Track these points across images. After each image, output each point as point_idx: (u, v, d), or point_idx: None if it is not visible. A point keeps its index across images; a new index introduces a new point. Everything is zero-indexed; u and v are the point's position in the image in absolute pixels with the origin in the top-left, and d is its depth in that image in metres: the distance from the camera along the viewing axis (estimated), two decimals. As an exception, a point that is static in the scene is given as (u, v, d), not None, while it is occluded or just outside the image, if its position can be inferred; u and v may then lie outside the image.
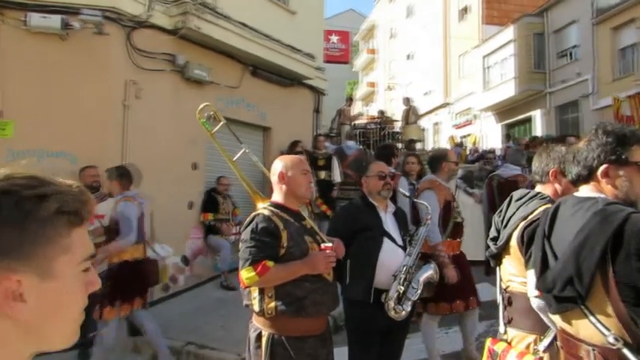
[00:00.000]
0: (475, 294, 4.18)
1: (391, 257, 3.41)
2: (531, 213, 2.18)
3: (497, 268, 2.43)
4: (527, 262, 2.06)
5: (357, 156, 9.82)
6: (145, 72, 6.26)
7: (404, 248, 3.49)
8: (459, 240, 4.28)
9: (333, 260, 2.70)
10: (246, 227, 2.69)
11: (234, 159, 3.46)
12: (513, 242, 2.25)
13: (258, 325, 2.67)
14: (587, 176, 1.75)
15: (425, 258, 3.75)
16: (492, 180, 5.56)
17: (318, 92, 9.42)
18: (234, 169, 3.40)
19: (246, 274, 2.54)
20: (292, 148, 8.23)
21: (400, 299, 3.29)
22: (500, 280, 2.41)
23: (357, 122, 14.82)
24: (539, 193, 2.30)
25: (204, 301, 6.33)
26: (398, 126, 15.17)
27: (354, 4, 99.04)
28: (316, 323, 2.67)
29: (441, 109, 27.16)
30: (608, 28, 16.65)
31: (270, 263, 2.52)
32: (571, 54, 18.98)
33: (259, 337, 2.65)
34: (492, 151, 12.50)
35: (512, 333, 2.27)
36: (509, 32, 20.71)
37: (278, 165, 2.85)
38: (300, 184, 2.82)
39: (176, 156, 6.63)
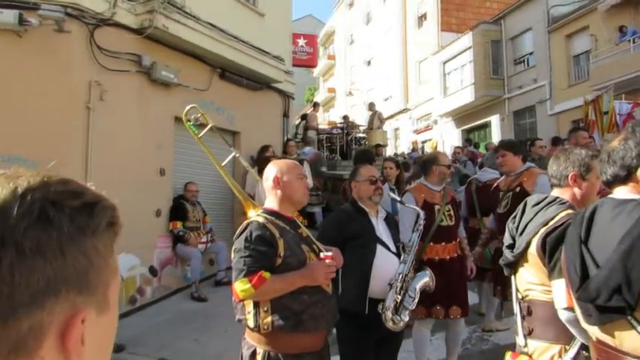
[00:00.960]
0: (461, 303, 4.03)
1: (385, 265, 3.27)
2: (552, 219, 2.08)
3: (512, 277, 2.32)
4: (551, 270, 1.96)
5: (313, 158, 9.74)
6: (110, 73, 5.92)
7: (397, 255, 3.36)
8: (445, 244, 4.14)
9: (333, 270, 2.54)
10: (238, 236, 2.49)
11: (223, 164, 3.22)
12: (532, 249, 2.14)
13: (252, 341, 2.48)
14: (625, 177, 1.65)
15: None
16: (471, 184, 5.54)
17: (286, 96, 9.24)
18: (224, 176, 3.19)
19: (240, 286, 2.34)
20: (262, 153, 8.02)
21: (397, 309, 3.16)
22: (517, 290, 2.30)
23: (321, 127, 14.75)
24: (557, 197, 2.21)
25: (174, 313, 6.02)
26: (362, 131, 15.21)
27: (313, 10, 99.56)
28: (315, 339, 2.50)
29: (401, 114, 27.48)
30: (562, 35, 17.26)
31: (266, 274, 2.34)
32: (527, 61, 19.57)
33: (254, 354, 2.46)
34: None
35: (533, 345, 2.15)
36: (466, 39, 21.17)
37: (272, 169, 2.67)
38: (296, 190, 2.66)
39: (142, 161, 6.31)
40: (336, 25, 36.85)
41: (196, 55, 7.15)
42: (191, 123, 3.31)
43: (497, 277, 4.46)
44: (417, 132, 26.04)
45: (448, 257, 4.05)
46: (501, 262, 2.36)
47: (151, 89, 6.51)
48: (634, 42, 14.24)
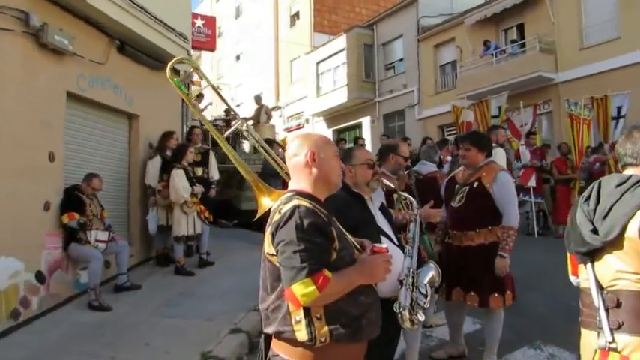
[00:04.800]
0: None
1: (393, 259, 2.95)
2: None
3: (590, 265, 2.13)
4: None
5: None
6: (-12, 30, 4.69)
7: (401, 248, 3.06)
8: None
9: (390, 265, 2.16)
10: (283, 225, 1.93)
11: (225, 135, 2.60)
12: (630, 233, 1.98)
13: (291, 359, 1.95)
14: None
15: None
16: (410, 177, 5.44)
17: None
18: (228, 152, 2.57)
19: (302, 288, 1.80)
20: (165, 141, 7.13)
21: (413, 307, 2.85)
22: (596, 280, 2.11)
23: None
24: None
25: (71, 327, 4.96)
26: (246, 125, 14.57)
27: None
28: (363, 349, 2.08)
29: (272, 112, 27.25)
30: (431, 45, 18.57)
31: (329, 273, 1.86)
32: (397, 67, 20.72)
33: (297, 378, 1.94)
34: None
35: (623, 340, 1.97)
36: (341, 41, 21.73)
37: (304, 143, 2.16)
38: (334, 169, 2.21)
39: (26, 143, 5.13)
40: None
41: (93, 22, 6.05)
42: (179, 80, 2.60)
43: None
44: (288, 130, 26.07)
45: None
46: (580, 248, 2.17)
47: (40, 56, 5.32)
48: (496, 56, 15.85)
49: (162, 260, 7.10)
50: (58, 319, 5.19)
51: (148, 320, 5.07)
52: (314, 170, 2.11)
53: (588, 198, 2.19)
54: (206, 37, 11.19)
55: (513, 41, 16.27)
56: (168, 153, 7.03)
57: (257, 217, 2.49)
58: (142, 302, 5.60)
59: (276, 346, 1.99)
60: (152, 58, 7.18)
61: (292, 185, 2.17)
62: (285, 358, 1.94)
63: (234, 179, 10.63)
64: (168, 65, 2.55)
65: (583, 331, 2.19)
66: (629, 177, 2.09)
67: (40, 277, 5.22)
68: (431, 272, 3.06)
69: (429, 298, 2.90)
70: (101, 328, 4.92)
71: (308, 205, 1.97)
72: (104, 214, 5.93)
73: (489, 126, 9.11)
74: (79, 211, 5.54)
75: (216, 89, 2.75)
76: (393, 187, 3.43)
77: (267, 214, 2.20)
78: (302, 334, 1.88)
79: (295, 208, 1.94)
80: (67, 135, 5.75)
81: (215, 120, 14.26)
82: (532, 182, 9.31)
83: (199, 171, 7.37)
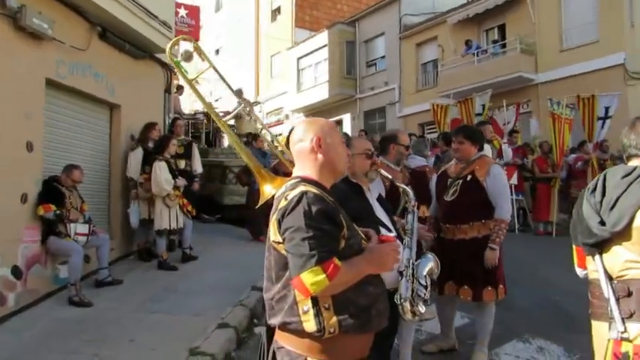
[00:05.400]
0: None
1: (397, 249, 2.89)
2: None
3: (599, 256, 2.11)
4: None
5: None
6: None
7: (399, 239, 2.99)
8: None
9: (399, 255, 2.09)
10: (290, 211, 1.83)
11: (226, 119, 2.49)
12: (638, 224, 1.95)
13: (299, 350, 1.85)
14: None
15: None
16: (401, 171, 5.40)
17: (170, 70, 8.16)
18: (230, 136, 2.45)
19: (312, 277, 1.71)
20: (147, 132, 6.94)
21: (413, 299, 2.79)
22: (605, 270, 2.09)
23: (183, 113, 13.62)
24: None
25: (51, 324, 4.76)
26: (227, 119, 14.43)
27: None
28: (370, 341, 2.01)
29: (253, 107, 27.06)
30: (413, 43, 18.63)
31: (338, 262, 1.78)
32: (378, 64, 20.74)
33: (304, 369, 1.86)
34: None
35: (636, 328, 1.95)
36: (322, 37, 21.66)
37: (310, 128, 2.08)
38: (340, 156, 2.12)
39: (2, 131, 4.90)
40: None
41: (74, 6, 5.83)
42: (179, 60, 2.47)
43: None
44: (268, 126, 25.88)
45: None
46: (588, 240, 2.14)
47: (17, 39, 5.08)
48: (477, 55, 15.98)
49: (144, 255, 6.92)
50: (36, 315, 4.97)
51: (132, 316, 4.90)
52: (319, 156, 2.03)
53: (594, 190, 2.16)
54: (189, 27, 10.97)
55: (495, 41, 16.43)
56: (151, 144, 6.85)
57: (259, 204, 2.40)
58: (125, 298, 5.43)
59: (281, 338, 1.90)
60: (135, 47, 6.97)
61: (297, 171, 2.08)
62: (290, 350, 1.86)
63: (217, 173, 10.47)
64: (169, 44, 2.41)
65: (594, 323, 2.16)
66: (635, 168, 2.07)
67: (16, 272, 5.00)
68: (430, 263, 3.00)
69: (429, 289, 2.86)
70: (83, 324, 4.73)
71: (316, 191, 1.89)
72: (84, 207, 5.72)
73: (477, 122, 9.16)
74: (58, 203, 5.33)
75: (217, 70, 2.63)
76: (390, 177, 3.38)
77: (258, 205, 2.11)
78: (310, 324, 1.80)
79: (303, 194, 1.85)
80: (46, 124, 5.52)
81: (195, 114, 14.04)
82: (514, 180, 9.42)
83: (182, 163, 7.20)
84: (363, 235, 2.11)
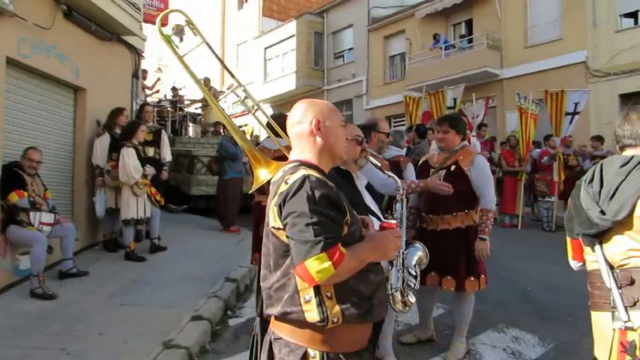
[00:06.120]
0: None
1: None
2: None
3: (599, 246, 2.10)
4: None
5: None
6: None
7: (388, 228, 2.94)
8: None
9: (400, 242, 2.03)
10: (289, 196, 1.73)
11: (221, 99, 2.33)
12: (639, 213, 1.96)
13: (300, 342, 1.77)
14: None
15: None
16: (378, 161, 5.35)
17: (137, 54, 7.84)
18: (223, 118, 2.32)
19: (317, 264, 1.61)
20: (115, 117, 6.65)
21: (404, 289, 2.74)
22: (605, 260, 2.08)
23: (148, 100, 13.20)
24: None
25: (13, 317, 4.49)
26: (194, 107, 14.20)
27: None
28: (369, 332, 1.94)
29: (220, 95, 26.58)
30: (381, 36, 18.66)
31: (343, 249, 1.70)
32: (346, 56, 20.70)
33: (305, 359, 1.77)
34: None
35: (639, 317, 1.96)
36: (290, 27, 21.43)
37: (309, 110, 1.96)
38: (340, 139, 2.01)
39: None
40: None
41: (37, -19, 5.51)
42: (169, 35, 2.32)
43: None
44: (233, 117, 25.49)
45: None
46: (589, 230, 2.12)
47: (-25, 15, 4.76)
48: (445, 49, 16.15)
49: (110, 245, 6.65)
50: (-5, 308, 4.69)
51: (100, 309, 4.69)
52: (318, 140, 1.92)
53: (591, 181, 2.16)
54: (157, 11, 10.61)
55: (462, 36, 16.64)
56: (118, 131, 6.57)
57: (252, 189, 2.28)
58: (91, 289, 5.19)
59: (279, 328, 1.81)
60: (102, 28, 6.65)
61: (295, 155, 1.97)
62: (289, 341, 1.77)
63: (184, 162, 10.20)
64: (160, 16, 2.26)
65: (594, 314, 2.16)
66: (631, 157, 2.08)
67: (-26, 262, 4.70)
68: (418, 253, 2.96)
69: (418, 279, 2.81)
70: (47, 318, 4.49)
71: (318, 175, 1.79)
72: (47, 195, 5.43)
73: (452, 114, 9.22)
74: (19, 190, 5.03)
75: (209, 45, 2.49)
76: (379, 164, 3.31)
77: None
78: (313, 314, 1.71)
79: (305, 177, 1.74)
80: (6, 107, 5.19)
81: (160, 101, 13.63)
82: (482, 173, 9.53)
83: (151, 151, 6.94)
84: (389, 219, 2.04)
